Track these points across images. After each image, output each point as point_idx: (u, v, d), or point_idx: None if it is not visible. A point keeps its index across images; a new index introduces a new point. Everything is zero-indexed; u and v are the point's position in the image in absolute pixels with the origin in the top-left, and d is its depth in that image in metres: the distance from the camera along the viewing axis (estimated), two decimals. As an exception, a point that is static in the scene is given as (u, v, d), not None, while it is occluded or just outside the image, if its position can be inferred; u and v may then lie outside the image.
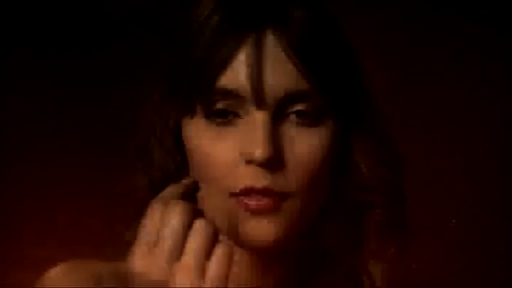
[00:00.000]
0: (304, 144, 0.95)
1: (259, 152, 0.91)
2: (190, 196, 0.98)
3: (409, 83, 2.00)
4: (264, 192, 0.93)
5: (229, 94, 0.94)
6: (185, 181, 0.99)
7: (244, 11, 0.95)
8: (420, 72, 2.00)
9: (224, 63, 0.94)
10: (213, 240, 0.89)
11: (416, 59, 2.00)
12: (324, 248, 1.04)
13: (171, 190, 0.96)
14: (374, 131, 1.02)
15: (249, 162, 0.93)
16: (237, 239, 0.96)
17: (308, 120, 0.95)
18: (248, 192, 0.93)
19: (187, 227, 0.89)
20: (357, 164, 1.01)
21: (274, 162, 0.92)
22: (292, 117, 0.95)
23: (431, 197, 1.99)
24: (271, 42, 0.94)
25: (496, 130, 2.00)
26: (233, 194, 0.95)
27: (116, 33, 2.04)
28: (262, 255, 1.00)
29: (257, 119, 0.93)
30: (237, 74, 0.93)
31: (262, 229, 0.94)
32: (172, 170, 1.02)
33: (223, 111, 0.95)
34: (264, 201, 0.94)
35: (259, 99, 0.93)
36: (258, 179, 0.93)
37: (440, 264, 1.97)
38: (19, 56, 2.07)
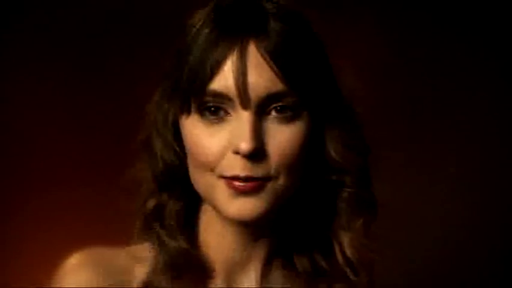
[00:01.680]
0: (283, 136, 1.11)
1: (244, 145, 1.08)
2: None
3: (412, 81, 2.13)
4: (246, 179, 1.11)
5: (219, 96, 1.10)
6: None
7: (230, 24, 1.11)
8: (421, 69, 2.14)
9: (214, 69, 1.10)
10: None
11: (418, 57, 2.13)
12: (302, 221, 1.20)
13: None
14: (343, 123, 1.18)
15: (236, 153, 1.10)
16: (226, 213, 1.13)
17: (286, 115, 1.12)
18: (234, 178, 1.11)
19: None
20: (329, 150, 1.17)
21: (257, 153, 1.09)
22: (273, 113, 1.11)
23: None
24: (253, 50, 1.10)
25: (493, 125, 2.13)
26: (222, 177, 1.12)
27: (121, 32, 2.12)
28: (248, 229, 1.17)
29: (243, 117, 1.10)
30: (225, 79, 1.10)
31: (246, 206, 1.11)
32: (173, 160, 1.18)
33: (215, 109, 1.11)
34: (249, 183, 1.11)
35: (244, 100, 1.09)
36: (242, 169, 1.10)
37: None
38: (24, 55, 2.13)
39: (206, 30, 1.12)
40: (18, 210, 2.11)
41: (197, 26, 1.13)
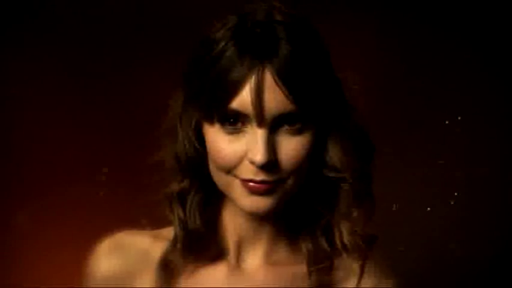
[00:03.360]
0: (292, 147, 1.26)
1: (258, 158, 1.23)
2: None
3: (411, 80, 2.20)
4: (261, 183, 1.26)
5: (238, 113, 1.24)
6: None
7: (249, 49, 1.23)
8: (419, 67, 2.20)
9: (234, 90, 1.23)
10: None
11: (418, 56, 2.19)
12: (307, 209, 1.36)
13: None
14: (345, 130, 1.32)
15: (251, 163, 1.25)
16: (241, 207, 1.29)
17: (296, 128, 1.26)
18: (250, 181, 1.26)
19: None
20: (330, 153, 1.32)
21: (269, 164, 1.24)
22: (285, 126, 1.25)
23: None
24: (268, 74, 1.23)
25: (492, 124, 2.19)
26: (238, 177, 1.27)
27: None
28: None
29: (258, 133, 1.24)
30: (243, 100, 1.23)
31: (259, 203, 1.27)
32: (194, 155, 1.33)
33: (233, 121, 1.25)
34: (263, 185, 1.26)
35: (259, 119, 1.23)
36: (257, 174, 1.25)
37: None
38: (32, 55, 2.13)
39: (228, 53, 1.24)
40: (19, 211, 2.14)
41: (220, 45, 1.25)
